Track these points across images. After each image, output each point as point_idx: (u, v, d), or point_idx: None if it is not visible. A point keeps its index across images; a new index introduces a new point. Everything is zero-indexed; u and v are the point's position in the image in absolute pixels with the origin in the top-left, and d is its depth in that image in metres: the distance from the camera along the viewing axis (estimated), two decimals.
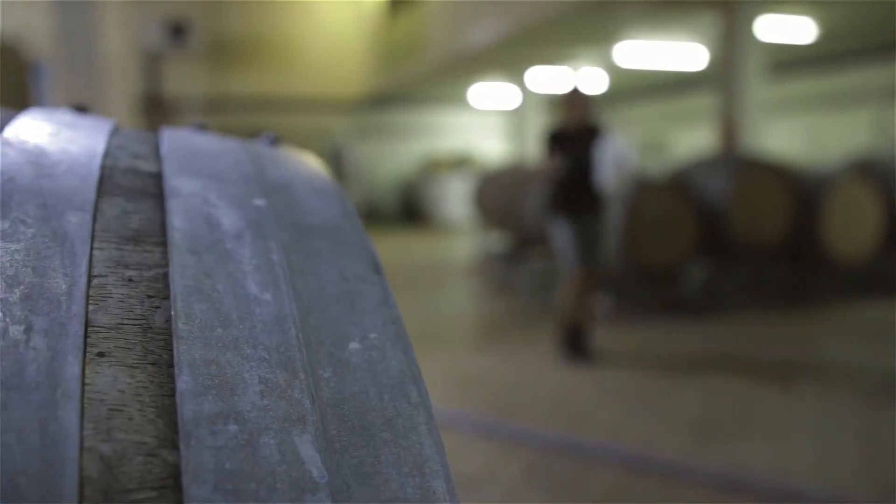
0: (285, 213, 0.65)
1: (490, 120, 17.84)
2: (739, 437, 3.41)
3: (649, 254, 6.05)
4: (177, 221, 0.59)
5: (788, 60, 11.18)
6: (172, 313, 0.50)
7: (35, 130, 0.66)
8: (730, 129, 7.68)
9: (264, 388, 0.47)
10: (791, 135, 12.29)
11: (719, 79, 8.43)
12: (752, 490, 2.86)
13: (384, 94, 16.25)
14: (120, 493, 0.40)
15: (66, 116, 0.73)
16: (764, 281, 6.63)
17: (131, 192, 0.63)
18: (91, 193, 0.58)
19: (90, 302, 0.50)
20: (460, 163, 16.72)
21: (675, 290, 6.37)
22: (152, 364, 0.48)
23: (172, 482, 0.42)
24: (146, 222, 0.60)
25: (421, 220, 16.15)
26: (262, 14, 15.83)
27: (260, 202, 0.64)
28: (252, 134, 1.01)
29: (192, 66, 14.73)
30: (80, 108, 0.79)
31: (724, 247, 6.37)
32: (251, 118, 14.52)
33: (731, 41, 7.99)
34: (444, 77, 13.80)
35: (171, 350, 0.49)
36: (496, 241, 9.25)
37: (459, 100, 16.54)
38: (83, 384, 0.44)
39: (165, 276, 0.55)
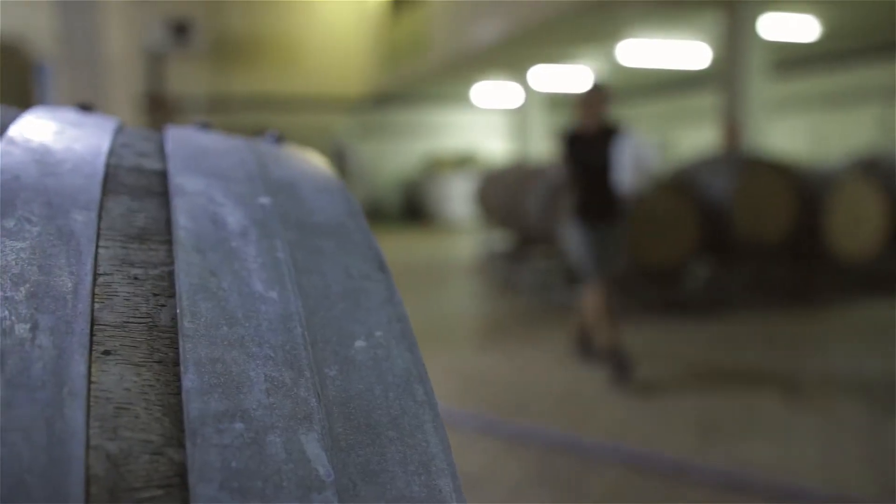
0: (290, 211, 0.65)
1: (493, 119, 17.83)
2: (742, 436, 3.41)
3: (652, 253, 6.05)
4: (182, 220, 0.58)
5: (791, 59, 11.16)
6: (178, 311, 0.50)
7: (40, 129, 0.65)
8: (733, 127, 7.67)
9: (270, 386, 0.47)
10: (794, 133, 12.27)
11: (722, 77, 8.41)
12: (754, 489, 2.86)
13: (387, 94, 16.26)
14: (126, 492, 0.40)
15: (71, 115, 0.73)
16: (767, 280, 6.62)
17: (136, 190, 0.63)
18: (96, 192, 0.58)
19: (96, 300, 0.50)
20: (463, 162, 16.72)
21: (677, 289, 6.37)
22: (158, 362, 0.48)
23: (178, 480, 0.41)
24: (151, 220, 0.60)
25: (424, 220, 16.15)
26: (265, 13, 15.84)
27: (265, 200, 0.64)
28: (255, 133, 1.00)
29: (194, 65, 14.75)
30: (85, 107, 0.79)
31: (727, 246, 6.36)
32: (254, 117, 14.53)
33: (734, 39, 7.97)
34: (447, 76, 13.80)
35: (177, 348, 0.49)
36: (499, 240, 9.25)
37: (462, 99, 16.54)
38: (89, 382, 0.44)
39: (171, 274, 0.54)
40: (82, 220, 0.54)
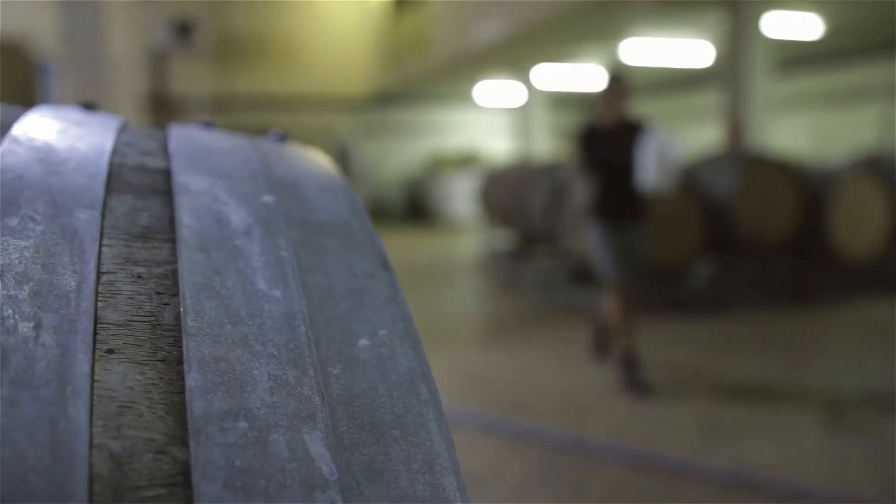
0: (294, 210, 0.65)
1: (495, 118, 17.82)
2: (743, 436, 3.40)
3: (655, 252, 6.04)
4: (186, 218, 0.58)
5: (795, 57, 11.14)
6: (181, 310, 0.50)
7: (43, 128, 0.65)
8: (736, 126, 7.66)
9: (274, 385, 0.47)
10: (797, 132, 12.25)
11: (725, 76, 8.40)
12: (757, 489, 2.85)
13: (390, 93, 16.26)
14: (129, 490, 0.40)
15: (75, 114, 0.73)
16: (770, 279, 6.61)
17: (140, 189, 0.63)
18: (100, 190, 0.58)
19: (99, 299, 0.50)
20: (466, 161, 16.72)
21: (680, 288, 6.36)
22: (161, 361, 0.48)
23: (182, 479, 0.41)
24: (155, 219, 0.60)
25: (426, 219, 16.15)
26: (268, 13, 15.85)
27: (268, 199, 0.64)
28: (258, 133, 1.00)
29: (198, 65, 14.77)
30: (89, 106, 0.79)
31: (730, 244, 6.35)
32: (257, 117, 14.54)
33: (738, 38, 7.96)
34: (450, 75, 13.80)
35: (181, 347, 0.49)
36: (502, 239, 9.24)
37: (465, 98, 16.53)
38: (92, 381, 0.44)
39: (174, 272, 0.54)
40: (86, 219, 0.54)
